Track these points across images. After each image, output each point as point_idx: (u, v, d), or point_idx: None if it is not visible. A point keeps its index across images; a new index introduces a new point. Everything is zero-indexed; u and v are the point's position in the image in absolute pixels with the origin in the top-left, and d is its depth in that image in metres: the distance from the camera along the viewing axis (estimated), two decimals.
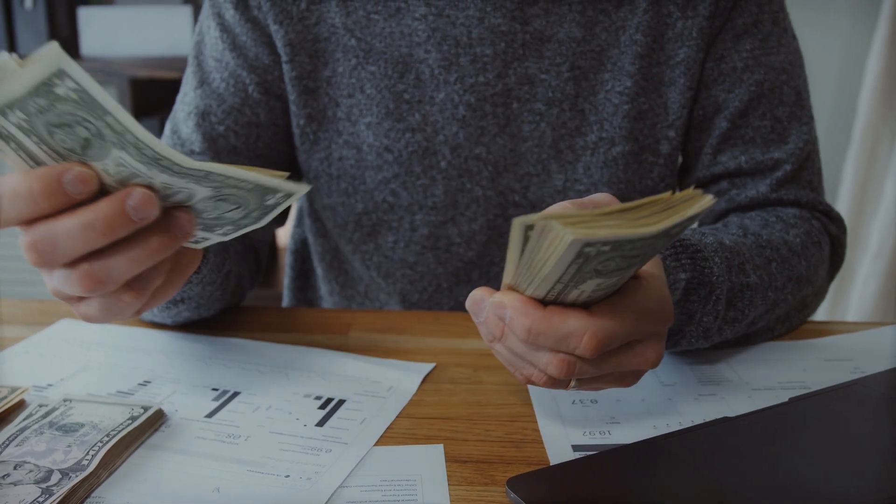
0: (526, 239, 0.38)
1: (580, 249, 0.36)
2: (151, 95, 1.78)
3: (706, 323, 0.55)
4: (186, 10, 1.67)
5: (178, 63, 1.67)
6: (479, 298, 0.45)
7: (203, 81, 0.72)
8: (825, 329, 0.68)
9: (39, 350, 0.63)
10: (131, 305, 0.43)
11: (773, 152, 0.71)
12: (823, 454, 0.47)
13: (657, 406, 0.54)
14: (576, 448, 0.49)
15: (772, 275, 0.60)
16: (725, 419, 0.51)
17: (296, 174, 0.78)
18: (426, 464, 0.47)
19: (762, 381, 0.58)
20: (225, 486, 0.45)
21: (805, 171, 0.72)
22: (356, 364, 0.60)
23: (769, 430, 0.50)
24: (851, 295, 1.82)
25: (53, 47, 0.34)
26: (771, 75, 0.71)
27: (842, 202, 1.74)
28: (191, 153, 0.71)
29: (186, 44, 1.69)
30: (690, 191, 0.38)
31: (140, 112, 1.73)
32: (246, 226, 0.45)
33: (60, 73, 0.34)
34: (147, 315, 0.64)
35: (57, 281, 0.41)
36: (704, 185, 0.74)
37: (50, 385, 0.57)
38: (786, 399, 0.54)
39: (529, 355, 0.44)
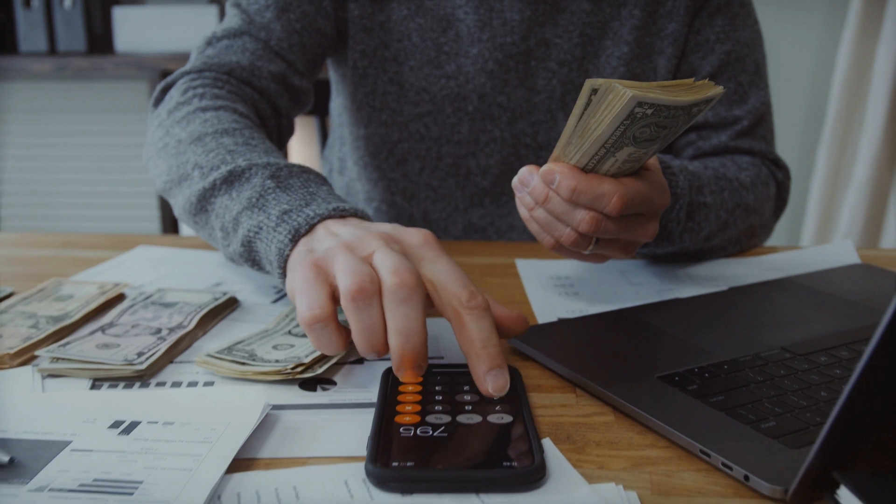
0: (588, 103, 0.49)
1: (633, 109, 0.48)
2: None
3: (670, 227, 0.69)
4: (212, 10, 1.82)
5: None
6: (528, 172, 0.57)
7: None
8: (768, 251, 0.82)
9: (127, 264, 0.77)
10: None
11: (734, 110, 0.86)
12: (755, 319, 0.61)
13: (626, 297, 0.68)
14: (560, 319, 0.63)
15: (724, 199, 0.74)
16: (678, 299, 0.65)
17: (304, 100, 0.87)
18: (446, 327, 0.61)
19: (711, 282, 0.72)
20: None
21: (760, 128, 0.87)
22: None
23: (713, 306, 0.64)
24: None
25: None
26: (737, 47, 0.86)
27: (815, 185, 1.88)
28: (268, 39, 0.80)
29: None
30: (705, 81, 0.51)
31: None
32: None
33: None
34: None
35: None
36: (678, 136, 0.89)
37: (142, 285, 0.71)
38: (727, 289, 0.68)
39: (567, 214, 0.56)
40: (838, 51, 1.84)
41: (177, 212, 0.67)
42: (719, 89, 0.51)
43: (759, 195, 0.80)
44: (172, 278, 0.73)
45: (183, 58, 1.80)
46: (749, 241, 0.81)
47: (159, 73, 1.81)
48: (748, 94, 0.86)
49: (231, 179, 0.60)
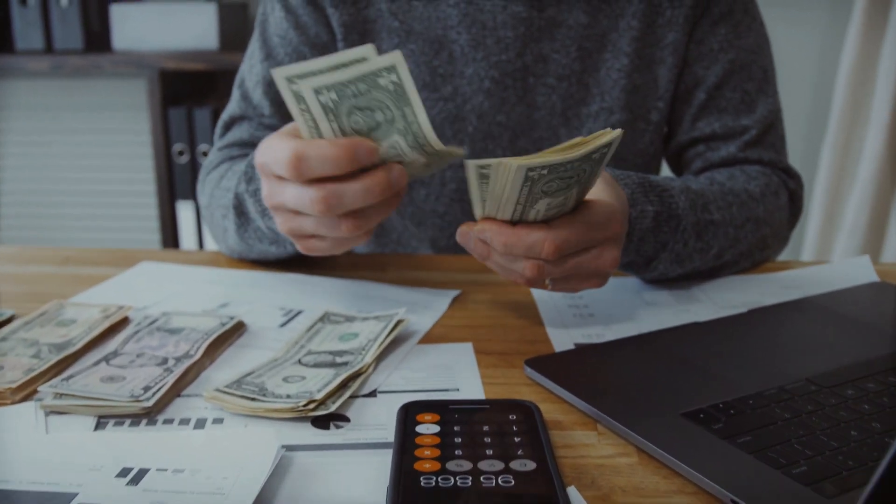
0: (482, 177, 0.52)
1: (525, 174, 0.50)
2: (179, 86, 1.90)
3: (678, 250, 0.67)
4: (211, 7, 1.79)
5: (203, 56, 1.79)
6: (465, 232, 0.58)
7: (269, 55, 0.84)
8: (783, 266, 0.81)
9: (129, 284, 0.75)
10: (357, 240, 0.58)
11: (742, 120, 0.84)
12: (777, 345, 0.60)
13: (642, 319, 0.67)
14: (577, 345, 0.62)
15: (733, 215, 0.73)
16: (696, 323, 0.64)
17: None
18: (460, 355, 0.60)
19: (728, 301, 0.71)
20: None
21: (769, 136, 0.85)
22: (395, 290, 0.73)
23: (733, 331, 0.63)
24: None
25: (396, 54, 0.49)
26: (741, 55, 0.83)
27: (819, 184, 1.86)
28: (261, 116, 0.84)
29: (211, 38, 1.81)
30: (603, 130, 0.52)
31: (168, 101, 1.85)
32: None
33: (391, 69, 0.49)
34: (246, 247, 0.76)
35: (312, 225, 0.56)
36: (685, 148, 0.86)
37: (146, 307, 0.69)
38: (745, 311, 0.66)
39: (510, 265, 0.57)
40: (843, 50, 1.82)
41: (234, 242, 0.76)
42: (618, 132, 0.51)
43: (769, 206, 0.78)
44: (177, 298, 0.71)
45: (181, 56, 1.78)
46: (762, 252, 0.80)
47: (157, 71, 1.78)
48: (756, 103, 0.84)
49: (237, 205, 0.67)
